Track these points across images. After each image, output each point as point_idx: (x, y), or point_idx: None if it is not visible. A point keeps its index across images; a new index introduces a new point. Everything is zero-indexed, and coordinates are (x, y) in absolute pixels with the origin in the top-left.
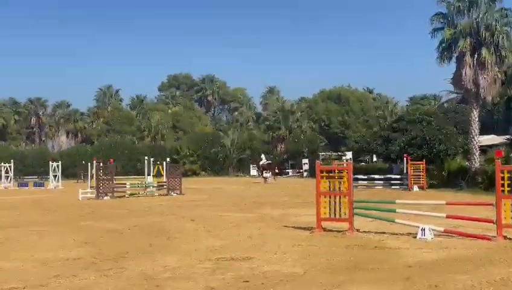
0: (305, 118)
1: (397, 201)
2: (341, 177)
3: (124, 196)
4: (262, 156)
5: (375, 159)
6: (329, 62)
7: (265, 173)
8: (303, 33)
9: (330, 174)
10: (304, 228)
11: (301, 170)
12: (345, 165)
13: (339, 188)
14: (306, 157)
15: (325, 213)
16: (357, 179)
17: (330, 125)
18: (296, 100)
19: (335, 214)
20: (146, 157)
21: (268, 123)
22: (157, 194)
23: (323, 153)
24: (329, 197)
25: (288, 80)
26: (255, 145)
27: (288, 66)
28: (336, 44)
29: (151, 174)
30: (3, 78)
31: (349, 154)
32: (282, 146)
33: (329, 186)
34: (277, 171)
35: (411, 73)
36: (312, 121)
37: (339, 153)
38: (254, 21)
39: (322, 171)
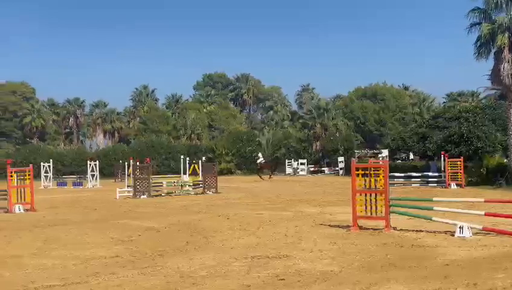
0: (340, 116)
1: (434, 199)
2: (377, 175)
3: (161, 194)
4: (260, 154)
5: (411, 156)
6: (364, 60)
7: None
8: (334, 31)
9: (366, 172)
10: (340, 226)
11: (337, 168)
12: (381, 163)
13: (375, 186)
14: (342, 156)
15: (361, 211)
16: (393, 177)
17: (366, 123)
18: (331, 98)
19: (371, 212)
20: (182, 156)
21: (303, 121)
22: (193, 192)
23: (358, 151)
24: (366, 195)
25: (322, 78)
26: (291, 143)
27: (322, 64)
28: (371, 43)
29: (187, 173)
30: (42, 79)
31: (385, 152)
32: (318, 144)
33: (365, 184)
34: (273, 170)
35: (448, 69)
36: (347, 118)
37: (375, 151)
38: (287, 20)
39: (357, 169)
